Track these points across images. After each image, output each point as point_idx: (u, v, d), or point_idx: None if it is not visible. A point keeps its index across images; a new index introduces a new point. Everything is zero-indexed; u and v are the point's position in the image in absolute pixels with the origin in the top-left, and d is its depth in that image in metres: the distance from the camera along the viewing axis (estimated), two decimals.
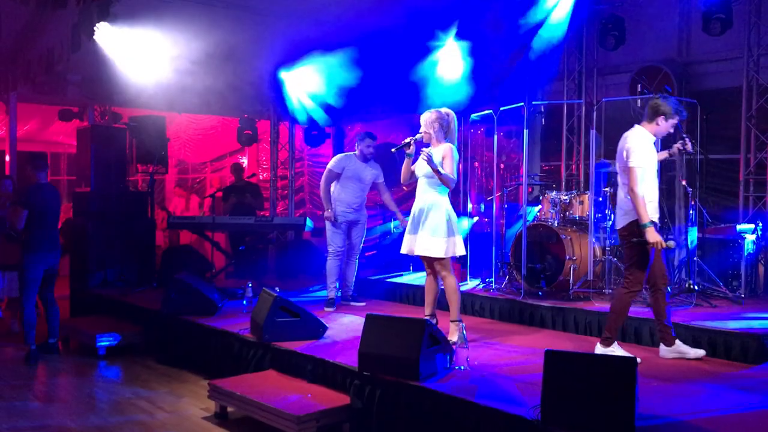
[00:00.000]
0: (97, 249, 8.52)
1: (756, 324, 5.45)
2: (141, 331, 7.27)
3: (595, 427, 3.52)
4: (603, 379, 3.59)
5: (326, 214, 7.18)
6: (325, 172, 7.27)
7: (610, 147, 6.93)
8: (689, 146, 5.39)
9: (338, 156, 7.37)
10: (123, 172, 9.11)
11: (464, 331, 5.07)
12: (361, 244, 7.39)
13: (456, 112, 5.70)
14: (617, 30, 8.72)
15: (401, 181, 5.67)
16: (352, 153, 7.33)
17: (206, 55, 8.89)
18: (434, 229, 5.36)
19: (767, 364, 5.04)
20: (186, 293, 6.86)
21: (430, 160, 5.23)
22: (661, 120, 5.01)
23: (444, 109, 5.56)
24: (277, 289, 6.08)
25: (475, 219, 9.21)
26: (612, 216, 6.87)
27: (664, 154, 5.48)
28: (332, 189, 7.22)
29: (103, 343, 7.00)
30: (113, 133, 9.12)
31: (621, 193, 5.06)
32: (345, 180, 7.19)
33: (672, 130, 5.11)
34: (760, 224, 7.15)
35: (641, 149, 4.90)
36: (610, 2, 8.83)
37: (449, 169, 5.33)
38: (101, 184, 8.70)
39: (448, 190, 5.47)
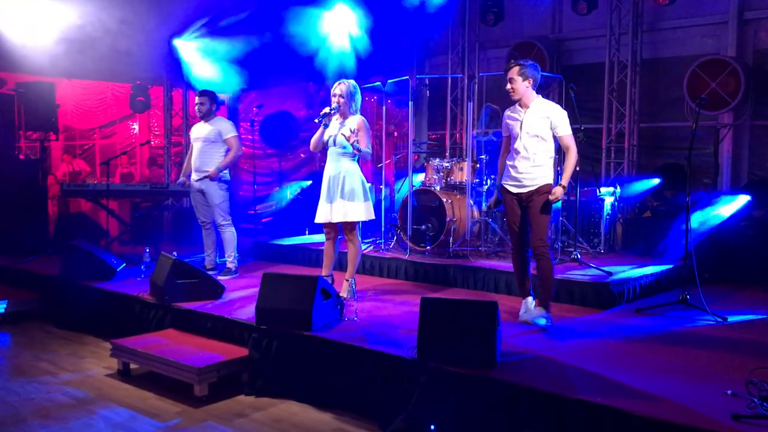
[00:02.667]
0: None
1: (611, 278, 6.21)
2: (37, 298, 7.34)
3: (463, 362, 4.09)
4: (469, 321, 4.17)
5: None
6: None
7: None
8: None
9: None
10: (11, 139, 8.98)
11: (354, 286, 5.55)
12: (222, 211, 6.98)
13: (355, 79, 6.12)
14: (497, 7, 9.38)
15: (311, 149, 6.01)
16: None
17: (98, 20, 8.84)
18: (351, 195, 5.79)
19: (614, 308, 5.85)
20: (83, 259, 7.00)
21: (355, 146, 5.66)
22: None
23: (352, 81, 5.94)
24: (175, 253, 6.36)
25: (369, 185, 9.71)
26: (489, 181, 7.51)
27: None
28: None
29: None
30: (1, 99, 8.94)
31: None
32: (193, 144, 7.15)
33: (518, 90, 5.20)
34: (618, 188, 8.02)
35: (503, 123, 5.43)
36: None
37: (365, 143, 5.76)
38: None
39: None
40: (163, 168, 11.21)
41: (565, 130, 5.18)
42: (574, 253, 6.74)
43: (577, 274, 6.27)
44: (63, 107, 12.87)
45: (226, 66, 10.36)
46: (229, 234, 7.06)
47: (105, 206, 8.77)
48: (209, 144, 6.95)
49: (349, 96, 5.88)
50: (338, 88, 5.89)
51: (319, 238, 8.79)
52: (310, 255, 8.09)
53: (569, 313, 5.67)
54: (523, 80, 5.15)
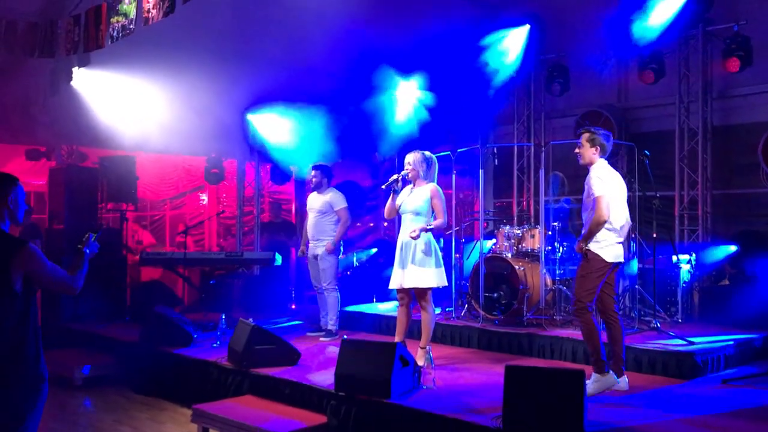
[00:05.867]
0: None
1: (693, 347, 6.02)
2: (116, 363, 7.52)
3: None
4: (555, 389, 4.11)
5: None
6: None
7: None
8: None
9: None
10: (95, 210, 9.39)
11: (430, 354, 5.53)
12: (329, 276, 7.44)
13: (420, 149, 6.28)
14: (562, 77, 9.50)
15: (386, 216, 6.16)
16: None
17: (176, 96, 9.29)
18: (423, 261, 5.83)
19: (699, 379, 5.66)
20: (163, 325, 7.18)
21: (424, 230, 5.78)
22: None
23: (427, 152, 6.08)
24: (251, 319, 6.49)
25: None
26: (561, 249, 7.46)
27: None
28: None
29: (80, 375, 7.23)
30: (86, 172, 9.42)
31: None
32: (308, 214, 7.70)
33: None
34: (694, 255, 7.86)
35: None
36: (555, 52, 9.61)
37: (439, 208, 5.87)
38: (74, 222, 8.96)
39: None
40: (236, 237, 11.51)
41: (596, 191, 5.10)
42: (654, 322, 6.58)
43: (658, 344, 6.12)
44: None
45: (297, 139, 10.70)
46: (333, 298, 7.51)
47: (182, 274, 9.01)
48: (322, 215, 7.50)
49: (420, 165, 5.99)
50: (410, 157, 6.04)
51: (388, 305, 8.91)
52: (380, 322, 8.10)
53: (653, 384, 5.51)
54: (591, 146, 5.28)
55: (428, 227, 5.82)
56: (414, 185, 6.06)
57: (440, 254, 6.04)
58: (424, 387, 5.27)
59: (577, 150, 5.37)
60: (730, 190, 8.57)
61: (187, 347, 7.03)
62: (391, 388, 4.88)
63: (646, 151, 6.38)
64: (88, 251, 3.65)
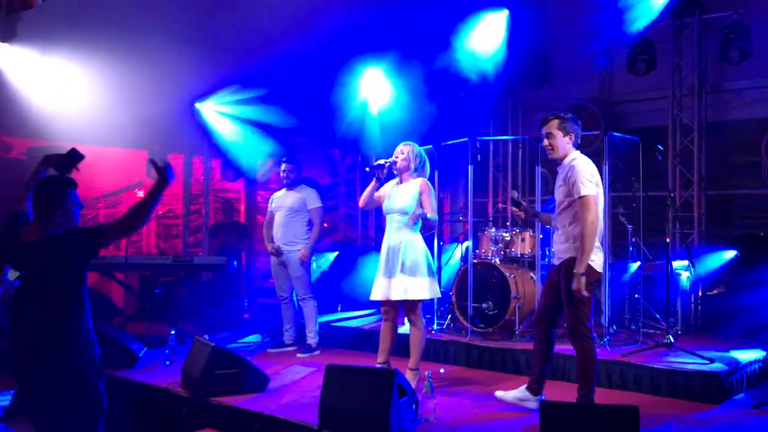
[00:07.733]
0: None
1: (715, 365, 5.34)
2: None
3: None
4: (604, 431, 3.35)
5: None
6: None
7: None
8: None
9: None
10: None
11: (431, 381, 4.72)
12: (304, 285, 6.74)
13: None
14: (543, 68, 8.82)
15: (361, 205, 5.41)
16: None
17: (115, 83, 8.25)
18: (413, 269, 5.05)
19: (727, 403, 5.02)
20: (101, 341, 6.13)
21: (423, 217, 5.01)
22: None
23: (420, 148, 5.37)
24: (206, 337, 5.61)
25: None
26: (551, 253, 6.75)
27: None
28: None
29: (0, 403, 6.14)
30: (9, 165, 8.25)
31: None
32: (274, 213, 6.91)
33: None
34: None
35: None
36: (536, 41, 8.89)
37: (429, 206, 5.12)
38: None
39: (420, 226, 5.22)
40: (181, 239, 10.44)
41: (584, 190, 4.27)
42: (666, 336, 5.91)
43: (675, 362, 5.43)
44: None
45: (250, 133, 9.79)
46: (311, 307, 6.73)
47: (122, 281, 7.95)
48: (293, 214, 6.72)
49: (415, 158, 5.28)
50: (404, 147, 5.32)
51: (357, 313, 8.10)
52: (357, 337, 7.18)
53: (680, 410, 4.83)
54: (564, 135, 4.47)
55: (425, 214, 5.00)
56: (401, 180, 5.30)
57: (431, 260, 5.26)
58: (423, 420, 4.45)
59: (546, 142, 4.51)
60: (727, 191, 8.02)
61: (132, 368, 6.06)
62: (389, 424, 4.04)
63: (660, 146, 5.71)
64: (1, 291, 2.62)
